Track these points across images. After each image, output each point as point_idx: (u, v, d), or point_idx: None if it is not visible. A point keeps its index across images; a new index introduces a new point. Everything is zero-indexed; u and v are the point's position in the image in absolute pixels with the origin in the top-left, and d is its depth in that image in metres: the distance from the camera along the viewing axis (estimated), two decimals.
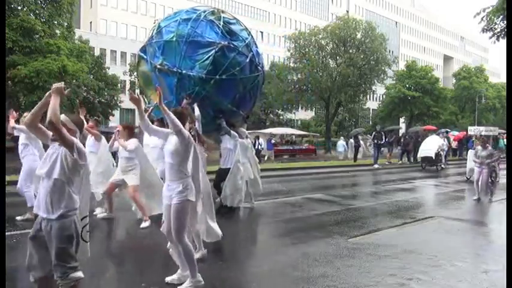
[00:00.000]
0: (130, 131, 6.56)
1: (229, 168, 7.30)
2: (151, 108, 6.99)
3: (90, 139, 6.97)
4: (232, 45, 7.18)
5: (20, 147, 6.54)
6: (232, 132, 7.38)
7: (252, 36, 8.01)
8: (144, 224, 6.32)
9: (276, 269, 4.64)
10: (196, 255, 4.21)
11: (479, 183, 10.08)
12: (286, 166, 17.68)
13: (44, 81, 22.25)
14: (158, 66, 7.12)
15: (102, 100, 33.09)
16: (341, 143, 23.89)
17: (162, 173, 5.90)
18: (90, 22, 48.26)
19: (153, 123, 6.48)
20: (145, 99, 7.91)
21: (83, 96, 29.39)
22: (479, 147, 10.26)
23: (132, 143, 6.35)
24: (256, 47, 8.01)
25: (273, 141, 24.86)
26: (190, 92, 6.83)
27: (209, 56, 6.91)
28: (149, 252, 5.14)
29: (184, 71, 6.93)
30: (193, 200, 3.86)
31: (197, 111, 6.46)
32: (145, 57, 7.62)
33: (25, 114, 6.93)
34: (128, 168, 6.52)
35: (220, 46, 7.02)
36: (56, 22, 25.78)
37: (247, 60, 7.35)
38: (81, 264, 3.18)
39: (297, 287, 4.10)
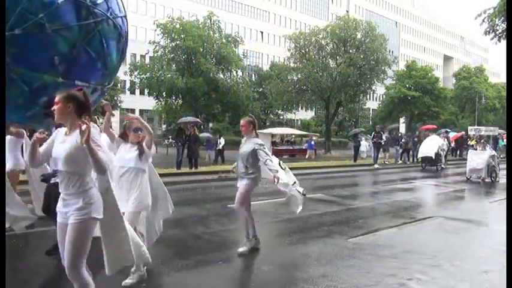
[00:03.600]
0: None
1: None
2: None
3: None
4: None
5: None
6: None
7: None
8: None
9: (276, 269, 4.64)
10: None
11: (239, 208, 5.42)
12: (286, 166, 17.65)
13: None
14: None
15: (102, 100, 33.09)
16: (363, 143, 23.86)
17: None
18: None
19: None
20: None
21: None
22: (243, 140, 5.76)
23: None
24: None
25: (312, 142, 26.19)
26: None
27: None
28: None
29: None
30: (100, 217, 2.91)
31: None
32: None
33: None
34: None
35: None
36: None
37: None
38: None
39: (297, 287, 4.10)
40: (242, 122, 5.43)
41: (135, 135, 4.19)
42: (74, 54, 4.34)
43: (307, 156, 24.70)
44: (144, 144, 4.15)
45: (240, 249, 5.19)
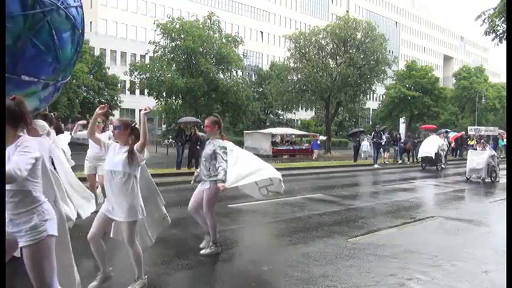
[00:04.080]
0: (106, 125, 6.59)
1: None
2: None
3: None
4: None
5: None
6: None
7: None
8: None
9: (276, 269, 4.64)
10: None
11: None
12: (286, 166, 17.67)
13: None
14: None
15: (102, 100, 33.16)
16: (365, 143, 23.84)
17: None
18: (90, 22, 48.28)
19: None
20: None
21: (83, 96, 29.46)
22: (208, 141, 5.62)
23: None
24: None
25: (318, 141, 26.12)
26: None
27: None
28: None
29: None
30: (57, 234, 2.66)
31: None
32: None
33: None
34: (102, 158, 6.45)
35: None
36: None
37: None
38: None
39: (297, 287, 4.09)
40: (206, 121, 5.14)
41: (114, 133, 3.87)
42: (19, 46, 3.96)
43: (315, 157, 24.04)
44: (135, 147, 3.73)
45: (204, 251, 5.08)
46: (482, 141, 16.06)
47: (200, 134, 21.12)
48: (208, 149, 5.03)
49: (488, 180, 13.77)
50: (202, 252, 5.05)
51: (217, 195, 5.10)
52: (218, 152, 4.90)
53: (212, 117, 5.19)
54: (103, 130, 6.87)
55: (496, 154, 15.00)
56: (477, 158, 13.99)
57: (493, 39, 13.98)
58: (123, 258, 4.50)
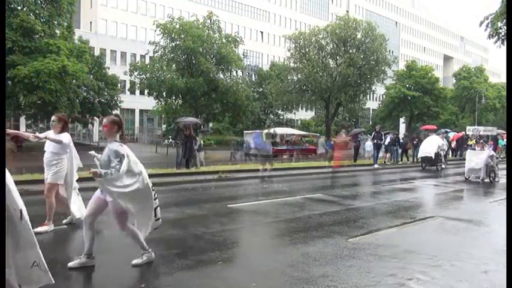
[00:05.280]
0: (65, 124, 6.06)
1: None
2: None
3: None
4: None
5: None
6: None
7: None
8: (41, 228, 5.60)
9: (276, 269, 4.64)
10: None
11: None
12: (286, 166, 17.68)
13: (44, 81, 22.29)
14: None
15: (102, 100, 33.17)
16: (369, 143, 23.82)
17: None
18: (90, 22, 48.31)
19: None
20: None
21: (83, 96, 29.47)
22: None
23: (63, 137, 5.91)
24: None
25: (331, 142, 26.23)
26: None
27: None
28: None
29: None
30: None
31: None
32: None
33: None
34: (51, 163, 5.94)
35: None
36: (56, 22, 25.86)
37: None
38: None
39: (297, 287, 4.10)
40: (104, 120, 4.43)
41: None
42: None
43: (328, 156, 24.73)
44: None
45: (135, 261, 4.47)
46: (481, 141, 16.05)
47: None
48: (104, 155, 4.31)
49: (487, 180, 13.77)
50: (133, 262, 4.45)
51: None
52: (112, 159, 4.20)
53: (112, 116, 4.55)
54: (63, 130, 6.06)
55: (494, 154, 14.99)
56: (476, 158, 13.98)
57: (495, 42, 14.07)
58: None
